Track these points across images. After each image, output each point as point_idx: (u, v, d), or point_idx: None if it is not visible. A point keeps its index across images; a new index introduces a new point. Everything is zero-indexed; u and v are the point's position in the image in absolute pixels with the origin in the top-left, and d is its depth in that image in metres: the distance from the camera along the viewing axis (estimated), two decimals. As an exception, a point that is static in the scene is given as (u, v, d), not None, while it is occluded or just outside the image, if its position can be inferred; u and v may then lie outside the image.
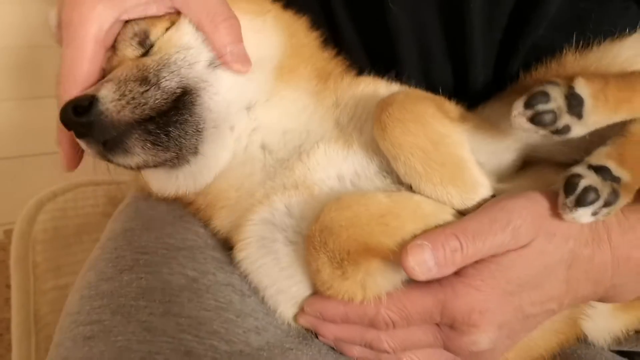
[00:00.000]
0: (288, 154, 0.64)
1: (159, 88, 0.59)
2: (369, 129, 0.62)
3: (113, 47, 0.65)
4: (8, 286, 1.43)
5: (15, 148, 1.84)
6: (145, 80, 0.59)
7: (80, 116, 0.56)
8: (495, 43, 0.71)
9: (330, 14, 0.79)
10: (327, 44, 0.75)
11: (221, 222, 0.67)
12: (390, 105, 0.56)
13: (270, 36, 0.69)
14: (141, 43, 0.64)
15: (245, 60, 0.64)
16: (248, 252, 0.62)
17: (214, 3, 0.63)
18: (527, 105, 0.53)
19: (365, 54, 0.78)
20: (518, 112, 0.54)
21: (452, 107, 0.62)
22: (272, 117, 0.66)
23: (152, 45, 0.63)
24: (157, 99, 0.59)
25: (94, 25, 0.61)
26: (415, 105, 0.57)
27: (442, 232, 0.53)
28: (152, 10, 0.64)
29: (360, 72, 0.72)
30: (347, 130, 0.64)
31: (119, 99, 0.57)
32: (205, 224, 0.70)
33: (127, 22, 0.65)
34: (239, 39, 0.64)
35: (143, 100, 0.58)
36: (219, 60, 0.64)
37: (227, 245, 0.67)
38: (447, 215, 0.56)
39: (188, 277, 0.63)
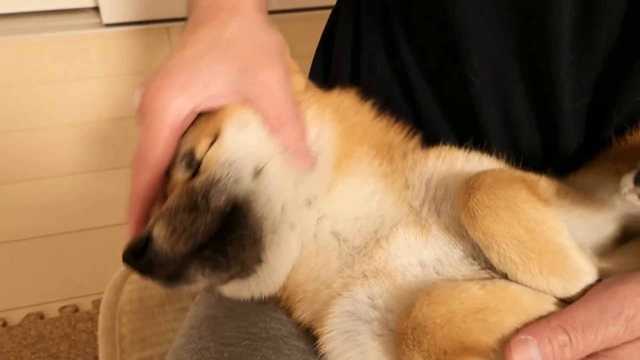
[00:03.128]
0: (364, 241, 0.61)
1: (208, 211, 0.58)
2: (447, 210, 0.59)
3: (167, 173, 0.66)
4: (96, 358, 1.47)
5: (101, 218, 1.88)
6: (194, 206, 0.59)
7: (138, 259, 0.57)
8: (585, 108, 0.67)
9: (407, 84, 0.77)
10: (382, 111, 0.72)
11: (301, 314, 0.65)
12: (478, 191, 0.53)
13: (319, 128, 0.67)
14: (189, 164, 0.64)
15: (306, 157, 0.64)
16: (333, 346, 0.59)
17: (283, 101, 0.64)
18: (638, 181, 0.48)
19: (446, 122, 0.76)
20: (628, 189, 0.48)
21: (545, 186, 0.57)
22: (338, 205, 0.64)
23: (199, 164, 0.64)
24: (207, 224, 0.58)
25: (172, 115, 0.62)
26: (506, 190, 0.53)
27: (548, 325, 0.48)
28: (226, 101, 0.66)
29: (439, 139, 0.68)
30: (422, 214, 0.61)
31: (172, 235, 0.57)
32: (288, 315, 0.68)
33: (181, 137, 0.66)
34: (302, 137, 0.64)
35: (194, 229, 0.57)
36: (282, 157, 0.63)
37: (310, 333, 0.65)
38: (549, 305, 0.51)
39: None
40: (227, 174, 0.61)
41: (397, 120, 0.72)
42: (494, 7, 0.65)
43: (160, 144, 0.62)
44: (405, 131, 0.71)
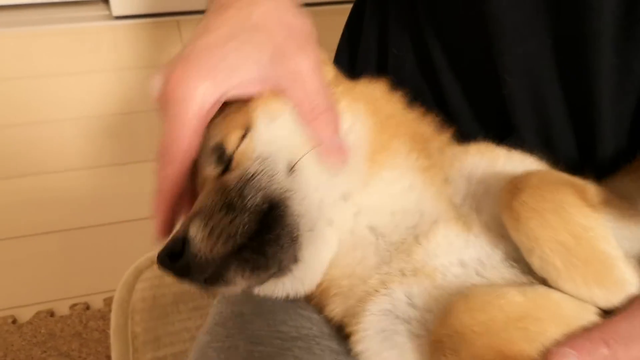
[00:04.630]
0: (402, 236, 0.60)
1: (245, 210, 0.57)
2: (488, 208, 0.58)
3: (194, 167, 0.64)
4: (108, 357, 1.44)
5: (112, 214, 1.87)
6: (230, 206, 0.57)
7: (175, 262, 0.56)
8: (628, 113, 0.64)
9: (436, 81, 0.76)
10: (413, 103, 0.70)
11: (334, 308, 0.63)
12: (524, 192, 0.51)
13: (351, 120, 0.65)
14: (219, 158, 0.62)
15: (340, 153, 0.62)
16: (368, 345, 0.57)
17: (317, 91, 0.62)
18: None
19: (477, 122, 0.74)
20: None
21: (593, 192, 0.55)
22: (375, 200, 0.62)
23: (230, 159, 0.62)
24: (245, 224, 0.57)
25: (197, 104, 0.60)
26: (554, 193, 0.51)
27: (589, 338, 0.46)
28: (255, 89, 0.63)
29: (468, 138, 0.67)
30: (463, 210, 0.59)
31: (210, 236, 0.55)
32: (319, 310, 0.66)
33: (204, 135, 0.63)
34: (336, 131, 0.62)
35: (232, 230, 0.56)
36: (315, 151, 0.61)
37: (341, 333, 0.63)
38: (591, 315, 0.49)
39: None
40: (262, 170, 0.59)
41: (427, 112, 0.70)
42: (531, 2, 0.63)
43: (186, 134, 0.60)
44: (437, 123, 0.69)
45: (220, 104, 0.63)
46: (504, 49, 0.66)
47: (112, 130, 2.23)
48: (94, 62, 2.50)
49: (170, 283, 1.23)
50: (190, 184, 0.65)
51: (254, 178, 0.59)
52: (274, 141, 0.62)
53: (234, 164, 0.61)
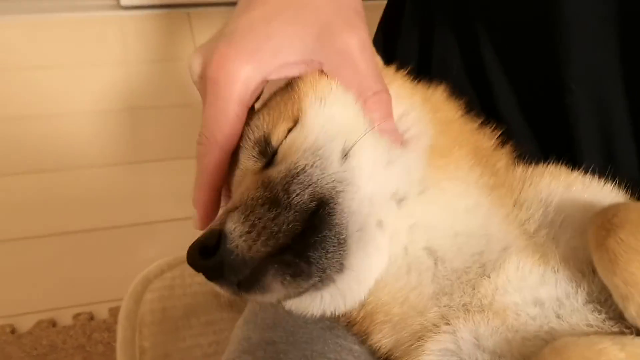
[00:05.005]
0: (465, 264, 0.57)
1: (290, 208, 0.55)
2: (566, 240, 0.56)
3: (234, 159, 0.64)
4: (114, 372, 1.41)
5: (120, 217, 1.85)
6: (274, 201, 0.55)
7: (208, 258, 0.53)
8: None
9: (486, 89, 0.74)
10: (470, 112, 0.69)
11: (382, 338, 0.60)
12: (622, 229, 0.48)
13: (405, 107, 0.64)
14: (263, 152, 0.61)
15: (394, 136, 0.61)
16: None
17: (367, 73, 0.61)
18: None
19: (531, 133, 0.73)
20: None
21: None
22: (434, 214, 0.59)
23: (275, 152, 0.60)
24: (290, 222, 0.54)
25: (240, 87, 0.59)
26: None
27: None
28: (300, 70, 0.62)
29: (520, 150, 0.67)
30: (538, 240, 0.57)
31: (249, 232, 0.53)
32: (362, 339, 0.63)
33: (246, 125, 0.63)
34: (388, 114, 0.61)
35: (275, 228, 0.53)
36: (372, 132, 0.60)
37: None
38: None
39: None
40: (312, 164, 0.57)
41: (485, 125, 0.68)
42: (603, 10, 0.63)
43: (229, 119, 0.59)
44: (497, 137, 0.67)
45: (264, 85, 0.62)
46: (574, 57, 0.65)
47: (118, 127, 2.20)
48: (100, 54, 2.48)
49: (181, 294, 1.21)
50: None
51: (303, 172, 0.56)
52: (326, 127, 0.59)
53: (278, 157, 0.59)
